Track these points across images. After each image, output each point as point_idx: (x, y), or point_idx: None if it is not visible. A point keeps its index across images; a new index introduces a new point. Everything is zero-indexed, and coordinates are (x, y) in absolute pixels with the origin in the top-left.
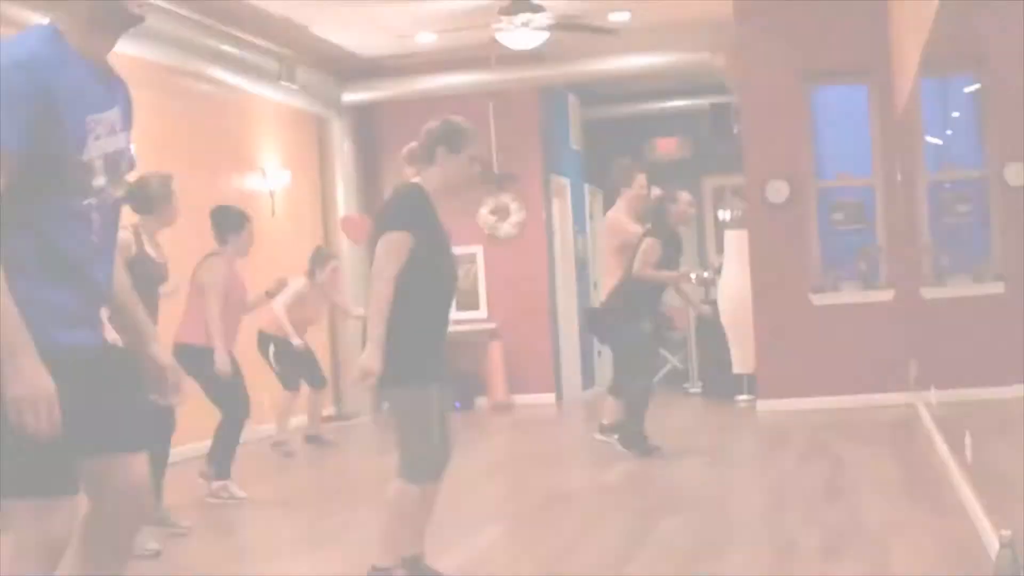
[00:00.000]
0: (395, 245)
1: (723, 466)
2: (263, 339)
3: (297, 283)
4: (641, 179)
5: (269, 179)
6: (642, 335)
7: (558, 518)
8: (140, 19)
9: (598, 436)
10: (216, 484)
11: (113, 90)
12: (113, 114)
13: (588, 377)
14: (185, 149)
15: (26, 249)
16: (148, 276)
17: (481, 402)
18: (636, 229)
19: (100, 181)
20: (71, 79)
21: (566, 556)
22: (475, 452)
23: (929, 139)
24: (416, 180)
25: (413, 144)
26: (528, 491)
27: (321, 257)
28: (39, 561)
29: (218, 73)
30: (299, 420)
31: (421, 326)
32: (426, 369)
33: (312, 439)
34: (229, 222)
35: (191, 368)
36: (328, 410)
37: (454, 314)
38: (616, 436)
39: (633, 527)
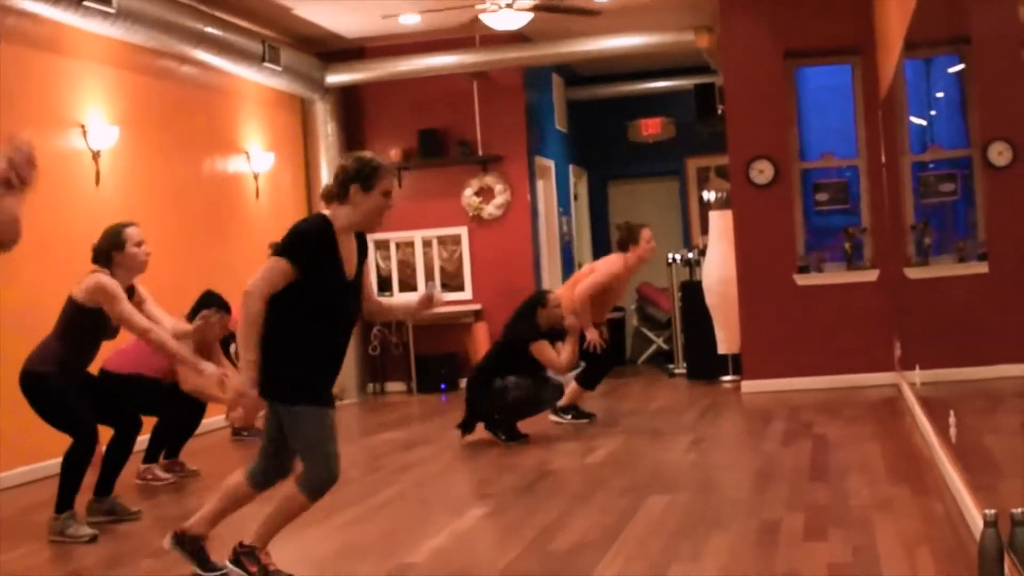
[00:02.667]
0: (273, 269)
1: (708, 446)
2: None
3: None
4: (647, 233)
5: (253, 162)
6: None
7: (542, 499)
8: None
9: (552, 418)
10: (143, 467)
11: None
12: None
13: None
14: (169, 132)
15: None
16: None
17: (465, 383)
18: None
19: None
20: None
21: (551, 536)
22: (459, 435)
23: (913, 119)
24: (326, 212)
25: (329, 183)
26: (513, 472)
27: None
28: None
29: (201, 55)
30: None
31: (312, 350)
32: (317, 391)
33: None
34: (111, 246)
35: (140, 397)
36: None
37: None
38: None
39: (618, 507)
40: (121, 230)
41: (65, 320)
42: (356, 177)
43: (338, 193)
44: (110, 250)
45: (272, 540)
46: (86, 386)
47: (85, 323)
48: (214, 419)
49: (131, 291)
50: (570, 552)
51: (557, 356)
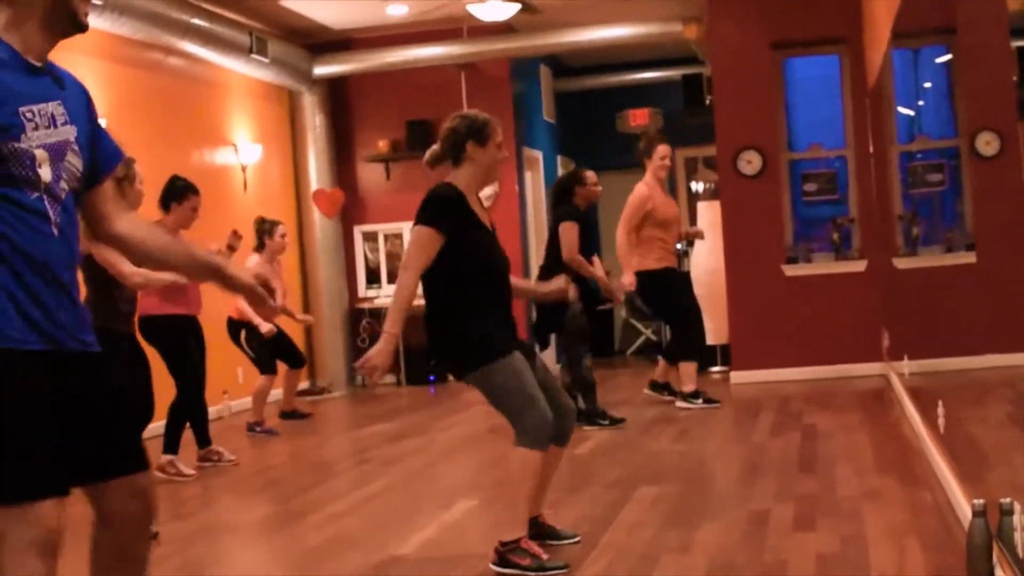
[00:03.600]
0: (422, 239)
1: (697, 437)
2: (232, 326)
3: (250, 264)
4: (663, 149)
5: (241, 153)
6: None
7: None
8: (85, 29)
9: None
10: (164, 459)
11: (53, 85)
12: (53, 107)
13: (561, 351)
14: (156, 124)
15: None
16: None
17: None
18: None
19: (46, 173)
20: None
21: None
22: (448, 426)
23: (901, 109)
24: (448, 180)
25: (435, 147)
26: (502, 464)
27: (267, 225)
28: (35, 558)
29: (189, 47)
30: (275, 394)
31: (476, 309)
32: (495, 344)
33: (287, 415)
34: (172, 192)
35: (153, 339)
36: (302, 384)
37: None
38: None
39: (607, 498)
40: (131, 163)
41: (84, 272)
42: (469, 134)
43: (452, 155)
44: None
45: (528, 516)
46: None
47: (91, 273)
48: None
49: None
50: (560, 543)
51: (575, 246)
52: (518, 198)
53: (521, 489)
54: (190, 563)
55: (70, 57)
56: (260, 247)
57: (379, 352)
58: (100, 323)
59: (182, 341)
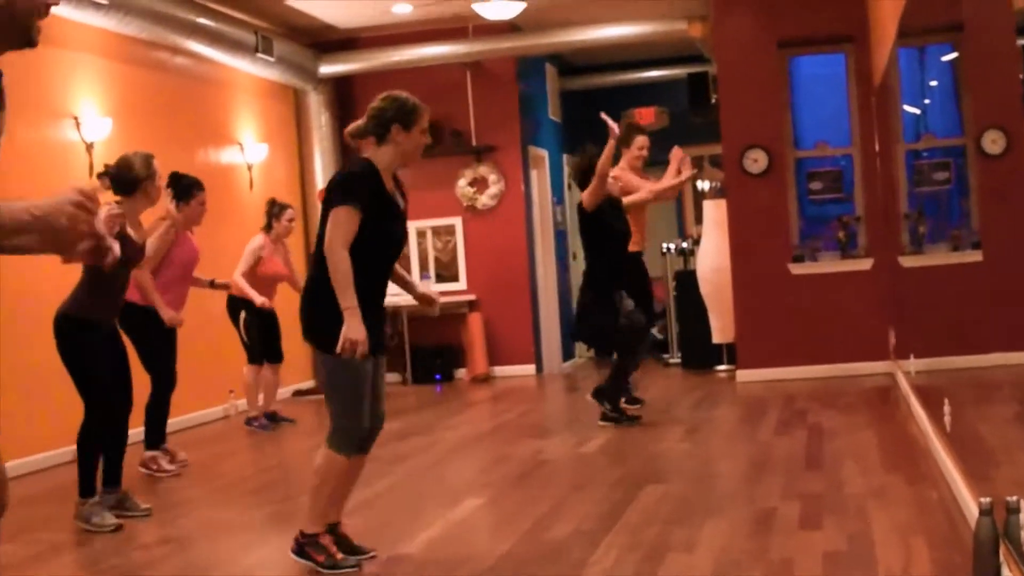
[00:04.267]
0: (342, 218)
1: (703, 436)
2: (232, 304)
3: (254, 242)
4: (640, 140)
5: (247, 152)
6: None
7: (538, 488)
8: (33, 46)
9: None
10: (147, 455)
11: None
12: None
13: (568, 348)
14: (162, 123)
15: None
16: (124, 258)
17: (461, 374)
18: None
19: None
20: None
21: (546, 526)
22: (454, 424)
23: (907, 108)
24: (367, 156)
25: (359, 121)
26: (508, 462)
27: (277, 208)
28: None
29: (195, 46)
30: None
31: (362, 297)
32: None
33: (270, 416)
34: (178, 189)
35: (130, 326)
36: (308, 383)
37: (434, 286)
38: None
39: (613, 497)
40: (151, 160)
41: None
42: (396, 116)
43: (376, 133)
44: (143, 179)
45: (326, 514)
46: (115, 350)
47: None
48: (223, 406)
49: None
50: (565, 541)
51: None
52: (524, 197)
53: (323, 488)
54: (192, 563)
55: (77, 57)
56: (268, 227)
57: (351, 328)
58: (77, 310)
59: (161, 335)
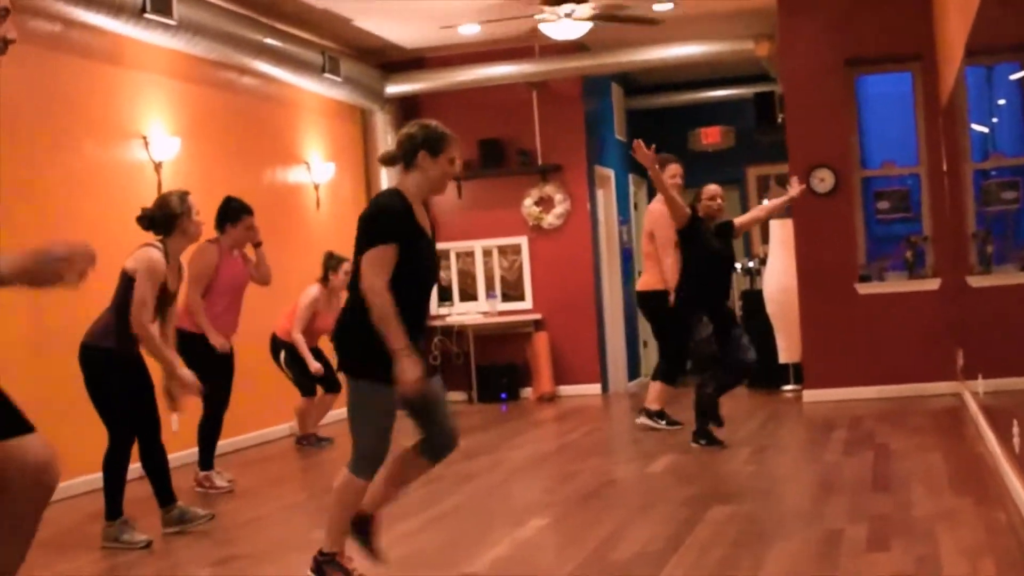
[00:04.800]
0: (380, 257)
1: (770, 456)
2: (276, 344)
3: (309, 294)
4: (673, 168)
5: (313, 172)
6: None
7: (604, 508)
8: (3, 53)
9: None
10: (201, 475)
11: None
12: None
13: (633, 367)
14: (230, 143)
15: None
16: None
17: (526, 393)
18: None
19: None
20: None
21: (612, 546)
22: (520, 443)
23: (975, 127)
24: (396, 186)
25: (390, 148)
26: (573, 482)
27: (334, 262)
28: None
29: (262, 66)
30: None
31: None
32: (386, 369)
33: (305, 438)
34: (227, 213)
35: (183, 352)
36: None
37: (500, 305)
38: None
39: (679, 517)
40: (186, 197)
41: (118, 293)
42: (424, 143)
43: (404, 160)
44: (179, 215)
45: (345, 536)
46: (141, 375)
47: (123, 293)
48: (277, 428)
49: (179, 270)
50: (631, 562)
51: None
52: (590, 216)
53: (343, 511)
54: None
55: (146, 77)
56: (324, 280)
57: (406, 370)
58: (109, 342)
59: (213, 359)
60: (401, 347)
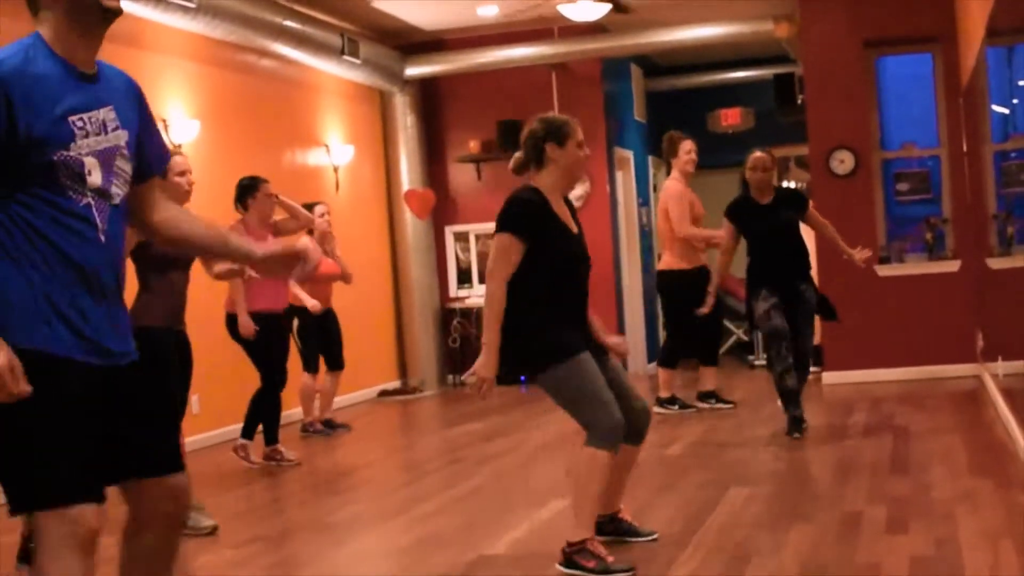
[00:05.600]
0: (503, 246)
1: (788, 438)
2: (289, 313)
3: (301, 243)
4: (688, 144)
5: (333, 155)
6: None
7: (624, 490)
8: (117, 12)
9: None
10: (239, 442)
11: (103, 90)
12: (104, 112)
13: (653, 349)
14: (249, 125)
15: (29, 249)
16: (173, 258)
17: None
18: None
19: (96, 179)
20: (43, 82)
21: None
22: (539, 425)
23: (995, 108)
24: (532, 183)
25: (518, 154)
26: None
27: (308, 208)
28: (72, 557)
29: (281, 49)
30: (363, 393)
31: (549, 312)
32: (563, 345)
33: (326, 423)
34: (243, 191)
35: (234, 335)
36: (393, 383)
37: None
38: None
39: (699, 499)
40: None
41: (137, 269)
42: (548, 136)
43: (534, 158)
44: None
45: (594, 517)
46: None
47: (149, 260)
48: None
49: None
50: (650, 543)
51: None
52: (609, 198)
53: (587, 489)
54: (283, 562)
55: (165, 60)
56: (309, 230)
57: (484, 365)
58: (148, 321)
59: (265, 337)
60: (488, 341)
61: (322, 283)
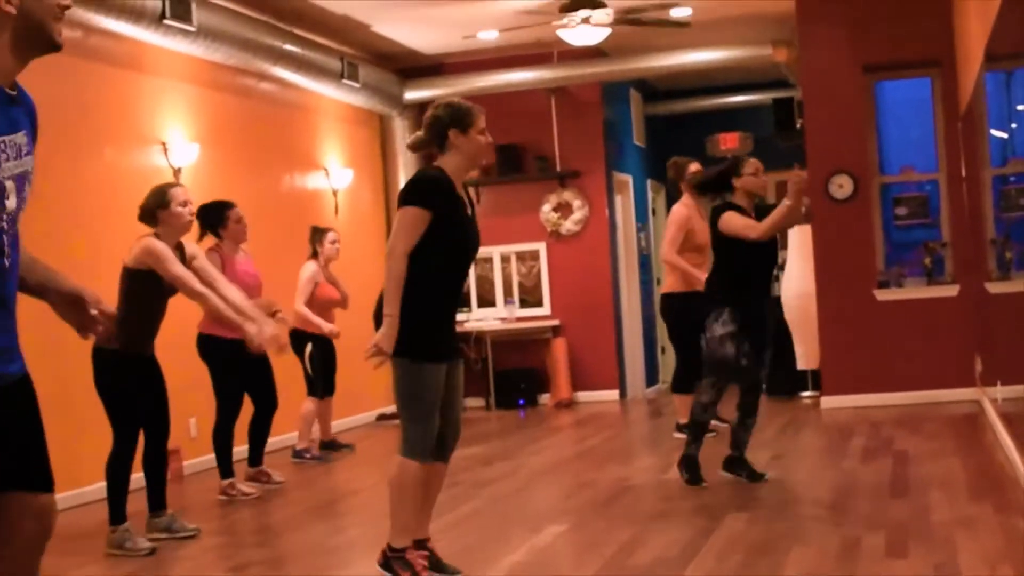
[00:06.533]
0: (409, 219)
1: (787, 462)
2: (297, 337)
3: (307, 270)
4: (694, 167)
5: (332, 178)
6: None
7: (621, 515)
8: (59, 48)
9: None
10: (223, 483)
11: (19, 114)
12: (19, 137)
13: (652, 374)
14: (248, 149)
15: None
16: (162, 290)
17: (544, 399)
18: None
19: (11, 203)
20: None
21: (630, 552)
22: (538, 450)
23: (994, 132)
24: (437, 164)
25: (418, 132)
26: (591, 488)
27: (319, 234)
28: None
29: (281, 72)
30: (361, 417)
31: (435, 298)
32: (432, 347)
33: (329, 445)
34: (209, 219)
35: (207, 356)
36: (391, 407)
37: (518, 311)
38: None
39: (697, 523)
40: (167, 189)
41: (123, 290)
42: (452, 122)
43: (436, 142)
44: (155, 208)
45: (412, 526)
46: (153, 377)
47: (140, 288)
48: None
49: (180, 249)
50: (649, 568)
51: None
52: (608, 221)
53: (402, 496)
54: None
55: (165, 83)
56: (314, 254)
57: (386, 336)
58: (127, 347)
59: (232, 364)
60: (391, 314)
61: (325, 308)
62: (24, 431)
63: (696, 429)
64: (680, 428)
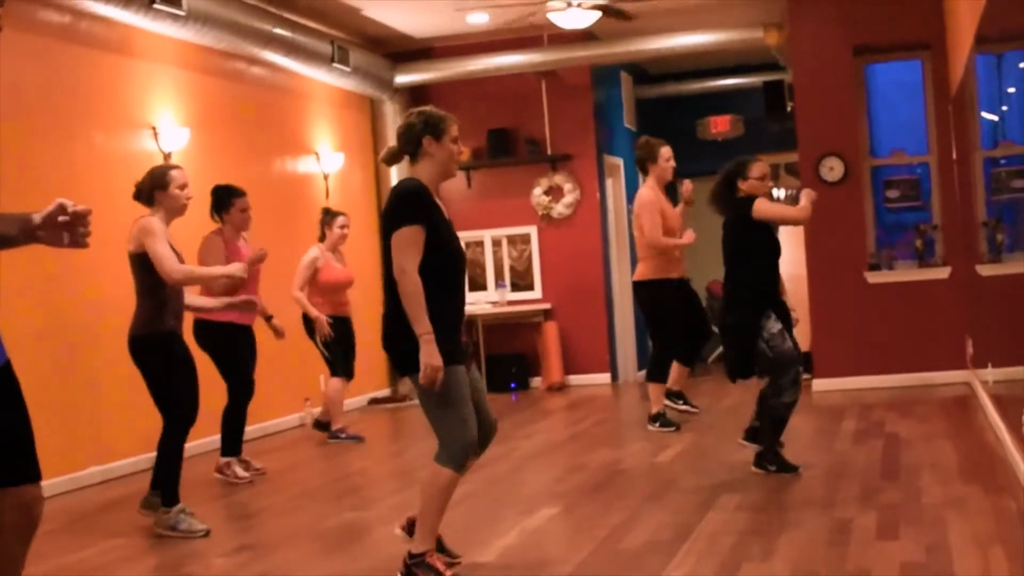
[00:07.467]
0: (409, 238)
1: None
2: (308, 321)
3: (308, 255)
4: (665, 151)
5: (323, 162)
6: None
7: (613, 498)
8: None
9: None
10: (222, 461)
11: None
12: None
13: (643, 357)
14: (239, 133)
15: None
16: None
17: (536, 383)
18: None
19: None
20: None
21: (622, 535)
22: (530, 433)
23: (984, 115)
24: (412, 175)
25: (391, 145)
26: (583, 471)
27: (329, 216)
28: None
29: (271, 56)
30: (353, 401)
31: (442, 311)
32: (456, 347)
33: (322, 426)
34: (218, 202)
35: (205, 343)
36: (384, 391)
37: (509, 295)
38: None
39: (689, 506)
40: (167, 171)
41: (135, 277)
42: (425, 130)
43: (410, 151)
44: (153, 189)
45: (436, 532)
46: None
47: (148, 270)
48: (299, 414)
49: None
50: (641, 551)
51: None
52: (599, 205)
53: (432, 504)
54: (271, 570)
55: (155, 67)
56: (322, 237)
57: (430, 355)
58: (147, 328)
59: (232, 346)
60: (425, 332)
61: (337, 291)
62: (6, 423)
63: (779, 427)
64: (653, 419)
